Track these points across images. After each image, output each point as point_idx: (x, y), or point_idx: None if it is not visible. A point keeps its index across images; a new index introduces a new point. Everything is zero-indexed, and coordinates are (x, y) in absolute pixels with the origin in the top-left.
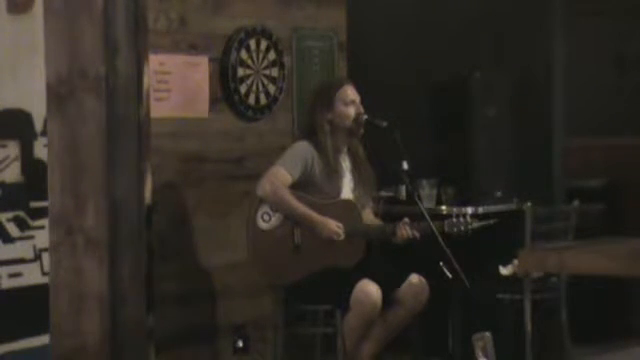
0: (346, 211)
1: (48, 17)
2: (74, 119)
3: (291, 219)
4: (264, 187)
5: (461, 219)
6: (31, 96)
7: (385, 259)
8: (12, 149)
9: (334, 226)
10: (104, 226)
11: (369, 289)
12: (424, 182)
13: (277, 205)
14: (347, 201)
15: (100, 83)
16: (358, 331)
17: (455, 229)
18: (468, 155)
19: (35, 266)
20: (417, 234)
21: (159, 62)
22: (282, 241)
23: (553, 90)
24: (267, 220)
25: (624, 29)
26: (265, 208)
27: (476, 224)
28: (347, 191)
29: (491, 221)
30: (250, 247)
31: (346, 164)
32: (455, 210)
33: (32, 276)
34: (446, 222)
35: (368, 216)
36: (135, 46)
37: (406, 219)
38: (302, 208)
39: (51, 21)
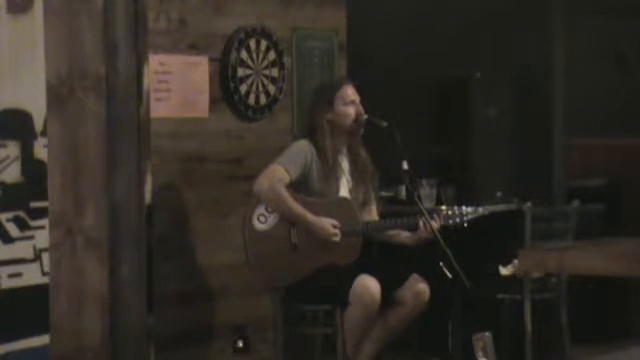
0: (343, 209)
1: (48, 17)
2: (74, 119)
3: (287, 218)
4: (262, 183)
5: (457, 211)
6: (31, 96)
7: (385, 259)
8: (12, 149)
9: (329, 226)
10: (104, 226)
11: (368, 283)
12: (424, 182)
13: (273, 203)
14: (344, 199)
15: (100, 83)
16: (359, 327)
17: (451, 221)
18: (468, 155)
19: (35, 266)
20: (437, 225)
21: (159, 62)
22: (279, 241)
23: (553, 90)
24: (263, 221)
25: (624, 29)
26: (261, 209)
27: (471, 216)
28: (345, 192)
29: (486, 212)
30: (247, 249)
31: (345, 164)
32: (456, 209)
33: (32, 276)
34: (442, 214)
35: (372, 216)
36: (135, 46)
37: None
38: (298, 208)
39: (51, 21)
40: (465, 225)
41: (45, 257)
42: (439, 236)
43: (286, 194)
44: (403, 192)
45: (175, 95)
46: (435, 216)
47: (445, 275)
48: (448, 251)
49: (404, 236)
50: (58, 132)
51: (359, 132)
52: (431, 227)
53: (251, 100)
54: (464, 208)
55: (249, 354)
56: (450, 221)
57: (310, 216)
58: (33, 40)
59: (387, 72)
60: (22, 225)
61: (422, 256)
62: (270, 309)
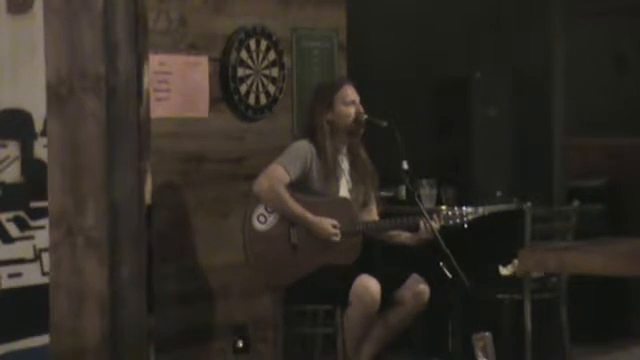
0: (342, 209)
1: (48, 17)
2: (74, 119)
3: (287, 218)
4: (261, 184)
5: (457, 212)
6: (31, 96)
7: (385, 259)
8: (12, 149)
9: (329, 226)
10: (104, 226)
11: (368, 283)
12: (424, 182)
13: (273, 203)
14: (343, 199)
15: (100, 83)
16: (359, 327)
17: (451, 221)
18: (468, 155)
19: (35, 266)
20: (437, 225)
21: (159, 62)
22: (279, 241)
23: (553, 90)
24: (263, 222)
25: (624, 29)
26: (261, 209)
27: (471, 216)
28: (344, 192)
29: (486, 212)
30: (247, 249)
31: (345, 165)
32: (456, 209)
33: (32, 276)
34: (442, 215)
35: (372, 216)
36: (135, 46)
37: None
38: (298, 208)
39: (51, 21)
40: (465, 226)
41: (45, 257)
42: (439, 237)
43: (286, 194)
44: (403, 192)
45: (175, 95)
46: (435, 217)
47: (445, 275)
48: (448, 251)
49: (404, 237)
50: (58, 132)
51: (359, 132)
52: (431, 228)
53: (251, 100)
54: (464, 209)
55: (249, 354)
56: (450, 221)
57: (310, 216)
58: (33, 40)
59: (387, 72)
60: (22, 225)
61: (422, 256)
62: (270, 309)
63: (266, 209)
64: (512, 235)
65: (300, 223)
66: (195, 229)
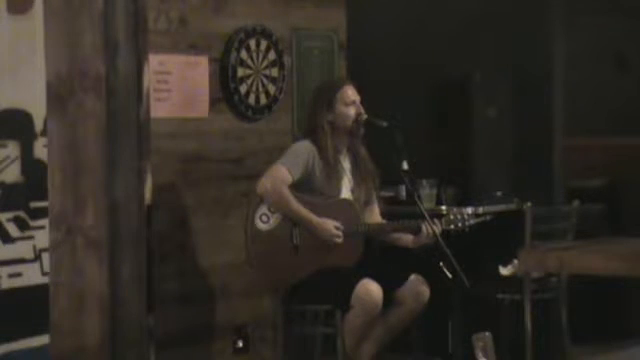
0: (345, 210)
1: (48, 17)
2: (74, 119)
3: (290, 219)
4: (264, 185)
5: (458, 216)
6: (31, 96)
7: (385, 259)
8: (12, 149)
9: (332, 228)
10: (104, 226)
11: (371, 288)
12: (424, 182)
13: (276, 204)
14: (346, 200)
15: (100, 83)
16: (359, 330)
17: (452, 225)
18: (468, 155)
19: (35, 266)
20: (438, 230)
21: (159, 62)
22: (281, 242)
23: (553, 90)
24: (266, 221)
25: (624, 28)
26: (263, 209)
27: (473, 220)
28: (346, 192)
29: (487, 217)
30: (249, 248)
31: (346, 164)
32: (455, 210)
33: (32, 276)
34: (444, 219)
35: (374, 215)
36: (135, 46)
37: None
38: (301, 209)
39: (51, 21)
40: (467, 230)
41: (45, 257)
42: (440, 239)
43: (289, 195)
44: (403, 192)
45: (175, 95)
46: (436, 220)
47: (445, 275)
48: (448, 251)
49: (405, 240)
50: (58, 132)
51: (359, 132)
52: (434, 232)
53: (251, 100)
54: (464, 211)
55: (249, 354)
56: (452, 225)
57: (314, 218)
58: (33, 40)
59: (387, 72)
60: (22, 225)
61: (422, 256)
62: (270, 309)
63: (269, 209)
64: (512, 235)
65: (303, 224)
66: (195, 229)
